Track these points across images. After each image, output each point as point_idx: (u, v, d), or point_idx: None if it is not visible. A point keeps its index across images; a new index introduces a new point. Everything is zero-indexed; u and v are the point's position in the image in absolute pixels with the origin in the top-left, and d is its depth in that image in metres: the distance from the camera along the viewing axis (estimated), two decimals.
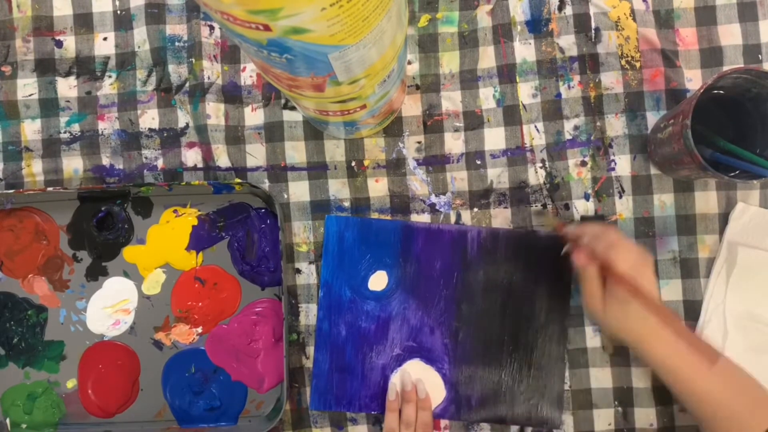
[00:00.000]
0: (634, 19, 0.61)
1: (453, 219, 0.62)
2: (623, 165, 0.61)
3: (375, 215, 0.62)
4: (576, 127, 0.62)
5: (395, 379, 0.61)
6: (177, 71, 0.64)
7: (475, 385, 0.60)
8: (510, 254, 0.61)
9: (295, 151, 0.63)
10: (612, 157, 0.61)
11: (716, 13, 0.61)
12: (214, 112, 0.63)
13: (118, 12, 0.64)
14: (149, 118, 0.64)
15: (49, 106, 0.64)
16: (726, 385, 0.48)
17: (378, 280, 0.61)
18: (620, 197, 0.61)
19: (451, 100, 0.62)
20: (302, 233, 0.62)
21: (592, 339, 0.60)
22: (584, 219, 0.60)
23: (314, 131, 0.63)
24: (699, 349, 0.47)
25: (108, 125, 0.64)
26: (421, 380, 0.60)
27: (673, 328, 0.47)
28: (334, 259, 0.61)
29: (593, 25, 0.62)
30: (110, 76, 0.64)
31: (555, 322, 0.60)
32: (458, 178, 0.62)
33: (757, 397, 0.49)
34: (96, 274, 0.63)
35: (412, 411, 0.58)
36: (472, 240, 0.61)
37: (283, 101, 0.63)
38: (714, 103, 0.56)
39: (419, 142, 0.62)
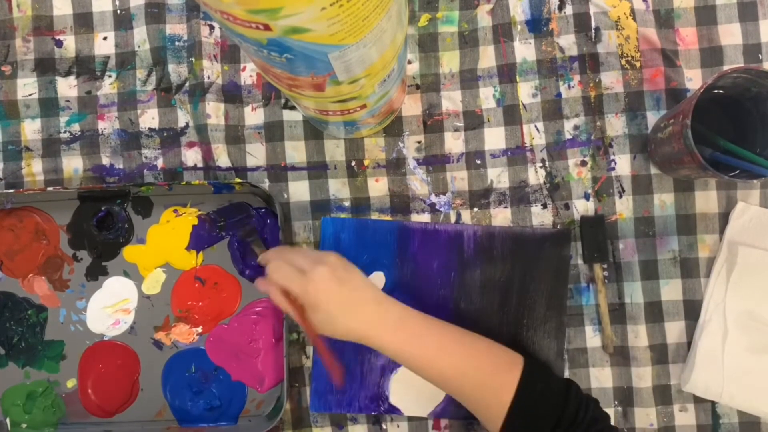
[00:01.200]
0: (635, 19, 0.61)
1: (453, 219, 0.62)
2: (623, 165, 0.61)
3: (375, 215, 0.62)
4: (576, 127, 0.62)
5: (394, 380, 0.61)
6: (177, 71, 0.63)
7: None
8: (506, 252, 0.61)
9: (295, 151, 0.63)
10: (612, 157, 0.61)
11: (716, 13, 0.61)
12: (214, 111, 0.63)
13: (118, 11, 0.64)
14: (149, 118, 0.64)
15: (49, 106, 0.64)
16: (463, 357, 0.48)
17: (375, 281, 0.61)
18: (620, 197, 0.61)
19: (451, 100, 0.62)
20: (302, 233, 0.62)
21: (592, 339, 0.60)
22: (584, 218, 0.60)
23: (314, 131, 0.63)
24: (420, 334, 0.48)
25: (108, 125, 0.64)
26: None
27: (386, 324, 0.47)
28: None
29: (593, 25, 0.62)
30: (110, 76, 0.64)
31: (553, 319, 0.60)
32: (458, 178, 0.62)
33: (497, 359, 0.49)
34: (96, 273, 0.63)
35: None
36: (469, 239, 0.61)
37: (283, 101, 0.63)
38: (714, 102, 0.56)
39: (419, 142, 0.62)
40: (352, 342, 0.60)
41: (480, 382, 0.48)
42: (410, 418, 0.61)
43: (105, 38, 0.64)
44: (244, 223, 0.62)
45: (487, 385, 0.47)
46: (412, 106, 0.62)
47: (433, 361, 0.48)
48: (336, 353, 0.61)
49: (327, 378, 0.61)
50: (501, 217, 0.61)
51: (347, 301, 0.47)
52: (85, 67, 0.64)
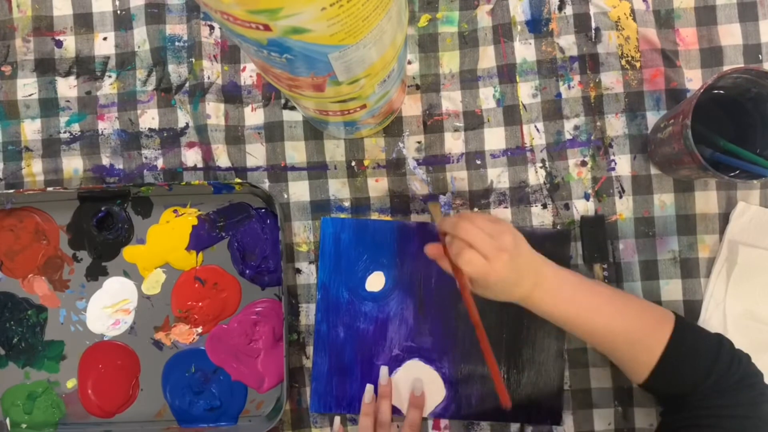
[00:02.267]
0: (634, 19, 0.61)
1: None
2: (623, 165, 0.61)
3: (375, 215, 0.62)
4: (576, 127, 0.62)
5: (394, 380, 0.61)
6: (177, 71, 0.64)
7: (474, 384, 0.60)
8: None
9: (295, 151, 0.63)
10: (612, 157, 0.61)
11: (716, 13, 0.61)
12: (214, 112, 0.63)
13: (118, 12, 0.64)
14: (149, 118, 0.64)
15: (49, 106, 0.64)
16: (615, 316, 0.50)
17: (375, 281, 0.61)
18: (620, 197, 0.61)
19: (451, 100, 0.62)
20: (302, 233, 0.62)
21: None
22: (584, 219, 0.60)
23: (314, 131, 0.63)
24: (574, 295, 0.50)
25: (108, 125, 0.64)
26: (420, 379, 0.60)
27: (543, 289, 0.49)
28: (331, 261, 0.61)
29: (593, 25, 0.62)
30: (110, 76, 0.64)
31: None
32: (458, 178, 0.62)
33: (648, 317, 0.50)
34: (96, 274, 0.63)
35: (386, 408, 0.58)
36: None
37: (283, 101, 0.63)
38: (714, 103, 0.56)
39: (419, 142, 0.62)
40: (351, 343, 0.61)
41: (630, 339, 0.49)
42: None
43: (105, 38, 0.64)
44: (243, 223, 0.62)
45: (637, 342, 0.49)
46: (412, 107, 0.62)
47: (585, 321, 0.50)
48: (335, 355, 0.61)
49: (327, 379, 0.61)
50: (501, 217, 0.61)
51: (514, 277, 0.48)
52: (85, 68, 0.64)
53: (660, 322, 0.49)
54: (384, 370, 0.60)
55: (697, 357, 0.47)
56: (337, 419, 0.61)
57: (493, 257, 0.47)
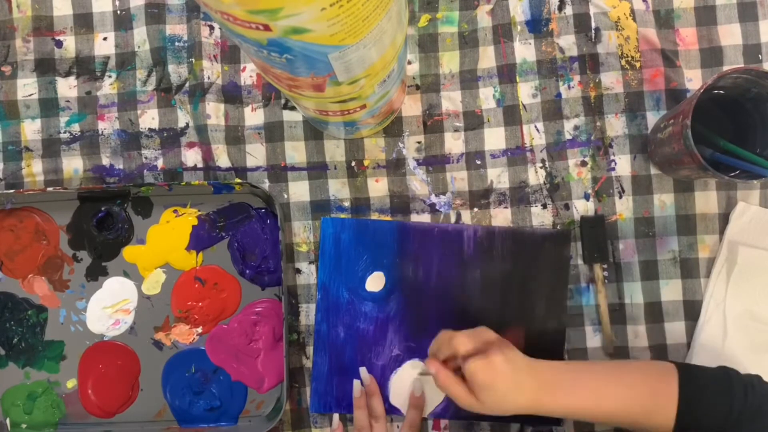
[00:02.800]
0: (634, 19, 0.61)
1: (453, 219, 0.62)
2: (623, 165, 0.61)
3: (375, 215, 0.62)
4: (576, 127, 0.62)
5: (394, 380, 0.61)
6: (177, 71, 0.64)
7: None
8: (506, 252, 0.61)
9: (295, 151, 0.63)
10: (612, 157, 0.61)
11: (716, 13, 0.61)
12: (214, 112, 0.63)
13: (118, 12, 0.64)
14: (149, 118, 0.64)
15: (49, 106, 0.64)
16: (620, 393, 0.49)
17: (375, 281, 0.61)
18: (620, 197, 0.61)
19: (451, 100, 0.62)
20: (302, 233, 0.62)
21: (592, 339, 0.60)
22: (584, 219, 0.60)
23: (314, 131, 0.63)
24: (575, 387, 0.49)
25: (108, 125, 0.64)
26: (419, 379, 0.60)
27: (545, 390, 0.48)
28: (331, 261, 0.61)
29: (593, 25, 0.62)
30: (110, 76, 0.64)
31: (553, 319, 0.60)
32: (458, 178, 0.62)
33: (651, 379, 0.50)
34: (96, 274, 0.63)
35: (377, 403, 0.59)
36: (469, 239, 0.61)
37: (283, 101, 0.63)
38: (714, 103, 0.56)
39: (419, 142, 0.62)
40: (351, 343, 0.61)
41: (644, 409, 0.49)
42: None
43: (105, 39, 0.64)
44: (243, 224, 0.62)
45: (651, 409, 0.48)
46: (412, 107, 0.62)
47: (593, 408, 0.49)
48: (335, 355, 0.61)
49: (327, 379, 0.61)
50: (501, 217, 0.61)
51: (514, 380, 0.48)
52: (85, 68, 0.64)
53: (664, 378, 0.49)
54: (363, 370, 0.60)
55: (711, 401, 0.47)
56: (336, 416, 0.61)
57: (485, 350, 0.47)
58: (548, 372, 0.50)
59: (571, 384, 0.50)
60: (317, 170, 0.63)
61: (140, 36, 0.64)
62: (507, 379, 0.47)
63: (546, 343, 0.60)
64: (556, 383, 0.49)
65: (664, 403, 0.48)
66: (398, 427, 0.61)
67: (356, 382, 0.60)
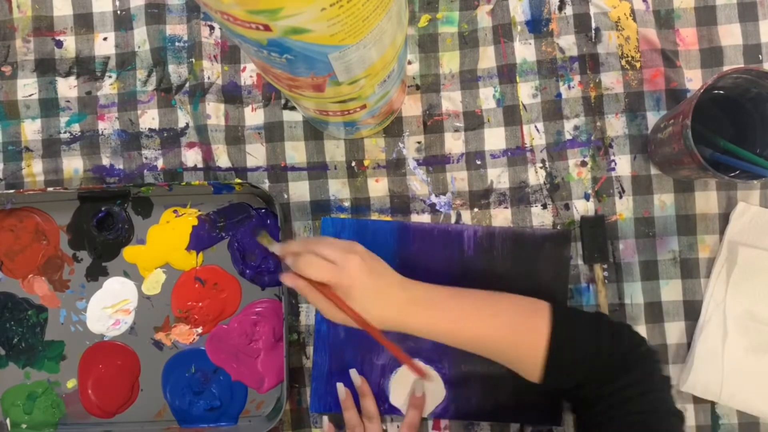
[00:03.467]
0: (634, 19, 0.61)
1: (453, 219, 0.62)
2: (623, 165, 0.61)
3: (375, 215, 0.62)
4: (576, 127, 0.62)
5: (394, 380, 0.61)
6: (177, 71, 0.64)
7: (474, 384, 0.60)
8: (506, 253, 0.61)
9: (295, 151, 0.63)
10: (612, 157, 0.61)
11: (716, 13, 0.61)
12: (214, 112, 0.63)
13: (118, 12, 0.64)
14: (149, 118, 0.64)
15: (49, 106, 0.64)
16: (490, 320, 0.48)
17: None
18: (620, 197, 0.61)
19: (451, 100, 0.62)
20: (302, 233, 0.62)
21: None
22: (584, 219, 0.60)
23: (314, 131, 0.63)
24: (446, 308, 0.48)
25: (108, 125, 0.64)
26: (420, 380, 0.60)
27: (414, 306, 0.48)
28: None
29: (593, 25, 0.62)
30: (110, 76, 0.64)
31: None
32: (458, 178, 0.62)
33: (522, 312, 0.49)
34: (96, 274, 0.63)
35: (369, 404, 0.59)
36: (469, 239, 0.61)
37: (283, 101, 0.63)
38: (714, 103, 0.56)
39: (419, 142, 0.62)
40: (351, 343, 0.61)
41: (514, 340, 0.48)
42: None
43: (105, 39, 0.64)
44: (244, 224, 0.62)
45: (520, 342, 0.48)
46: (412, 107, 0.62)
47: (462, 330, 0.48)
48: (335, 355, 0.61)
49: (327, 379, 0.61)
50: (501, 217, 0.61)
51: (377, 289, 0.47)
52: (85, 68, 0.64)
53: (536, 313, 0.48)
54: (353, 372, 0.60)
55: (579, 343, 0.46)
56: (325, 418, 0.61)
57: (342, 260, 0.45)
58: (418, 289, 0.49)
59: (436, 303, 0.49)
60: (317, 170, 0.63)
61: (140, 36, 0.64)
62: (367, 288, 0.46)
63: None
64: (422, 301, 0.48)
65: (533, 338, 0.47)
66: (398, 427, 0.61)
67: (339, 385, 0.60)
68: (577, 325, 0.48)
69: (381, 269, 0.49)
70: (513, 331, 0.48)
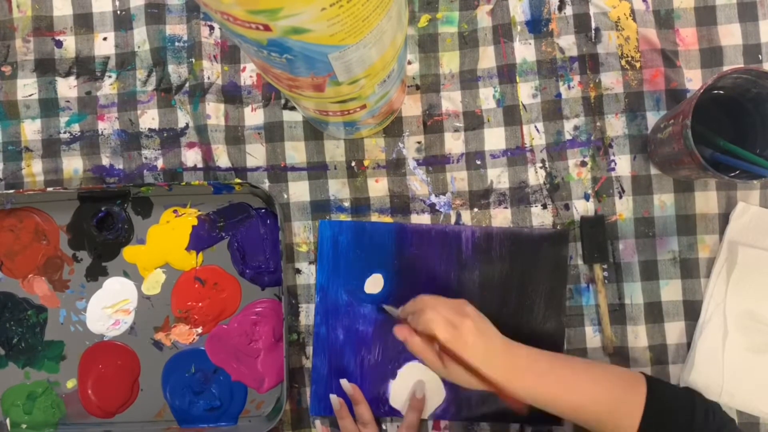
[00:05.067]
0: (634, 19, 0.61)
1: (453, 219, 0.62)
2: (623, 165, 0.61)
3: (375, 215, 0.62)
4: (576, 127, 0.62)
5: (394, 382, 0.61)
6: (177, 71, 0.64)
7: None
8: (505, 253, 0.61)
9: (295, 151, 0.63)
10: (612, 157, 0.61)
11: (716, 13, 0.61)
12: (214, 112, 0.63)
13: (118, 12, 0.64)
14: (149, 118, 0.64)
15: (49, 106, 0.64)
16: (588, 389, 0.50)
17: (374, 283, 0.61)
18: (620, 197, 0.61)
19: (451, 100, 0.62)
20: (302, 233, 0.62)
21: (592, 339, 0.60)
22: (584, 219, 0.60)
23: (314, 131, 0.63)
24: (546, 374, 0.50)
25: (108, 125, 0.64)
26: (422, 381, 0.60)
27: (516, 370, 0.49)
28: (329, 263, 0.61)
29: (593, 25, 0.62)
30: (110, 76, 0.64)
31: (552, 319, 0.60)
32: (458, 178, 0.62)
33: (619, 383, 0.50)
34: (96, 274, 0.63)
35: (364, 410, 0.59)
36: (467, 240, 0.61)
37: (283, 101, 0.63)
38: (714, 103, 0.56)
39: (419, 142, 0.62)
40: (350, 346, 0.61)
41: (610, 408, 0.49)
42: None
43: (105, 39, 0.64)
44: (243, 224, 0.62)
45: (616, 410, 0.49)
46: (412, 107, 0.62)
47: (561, 398, 0.50)
48: (334, 358, 0.61)
49: (326, 381, 0.61)
50: (501, 217, 0.61)
51: (486, 352, 0.49)
52: (85, 68, 0.64)
53: (634, 386, 0.50)
54: (344, 382, 0.60)
55: (674, 416, 0.48)
56: (318, 422, 0.61)
57: (459, 321, 0.48)
58: (522, 355, 0.50)
59: (543, 370, 0.50)
60: (317, 170, 0.63)
61: (140, 36, 0.64)
62: (477, 354, 0.48)
63: (545, 344, 0.60)
64: (529, 367, 0.50)
65: (629, 408, 0.49)
66: (398, 428, 0.61)
67: (333, 396, 0.60)
68: (671, 400, 0.49)
69: (490, 333, 0.50)
70: (610, 402, 0.49)
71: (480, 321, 0.50)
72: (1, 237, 0.63)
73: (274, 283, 0.62)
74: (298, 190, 0.63)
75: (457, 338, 0.48)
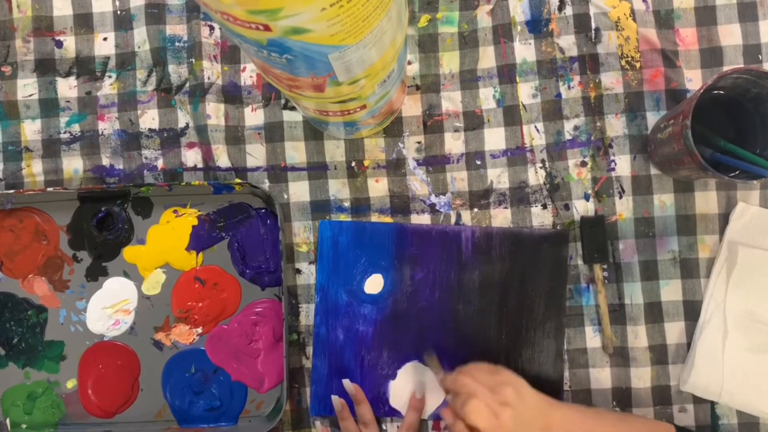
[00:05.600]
0: (634, 19, 0.61)
1: (453, 219, 0.62)
2: (623, 165, 0.61)
3: (375, 215, 0.62)
4: (576, 127, 0.62)
5: (394, 383, 0.61)
6: (177, 71, 0.64)
7: None
8: (504, 253, 0.61)
9: (295, 151, 0.63)
10: (612, 158, 0.61)
11: (716, 13, 0.61)
12: (214, 112, 0.63)
13: (118, 12, 0.64)
14: (149, 119, 0.64)
15: (49, 106, 0.64)
16: None
17: (374, 284, 0.61)
18: (620, 197, 0.61)
19: (451, 100, 0.62)
20: (302, 233, 0.62)
21: (592, 339, 0.60)
22: (584, 219, 0.60)
23: (314, 131, 0.63)
24: (593, 422, 0.52)
25: (108, 125, 0.64)
26: (422, 381, 0.60)
27: None
28: (329, 263, 0.61)
29: (593, 26, 0.62)
30: (110, 76, 0.64)
31: (552, 319, 0.60)
32: (458, 179, 0.62)
33: None
34: (96, 274, 0.63)
35: (365, 411, 0.59)
36: (467, 240, 0.61)
37: (283, 101, 0.63)
38: (714, 103, 0.56)
39: (419, 142, 0.62)
40: (350, 346, 0.61)
41: None
42: None
43: (105, 39, 0.64)
44: (243, 224, 0.62)
45: None
46: (412, 107, 0.62)
47: None
48: (334, 358, 0.61)
49: (327, 382, 0.61)
50: (501, 217, 0.61)
51: (522, 431, 0.49)
52: (85, 68, 0.64)
53: None
54: (346, 382, 0.60)
55: None
56: (318, 422, 0.61)
57: (499, 412, 0.48)
58: (557, 415, 0.52)
59: (578, 430, 0.51)
60: (317, 170, 0.63)
61: (140, 36, 0.64)
62: None
63: (545, 340, 0.60)
64: (564, 427, 0.51)
65: None
66: (398, 427, 0.61)
67: (334, 397, 0.60)
68: None
69: (527, 416, 0.50)
70: None
71: (518, 402, 0.50)
72: (1, 237, 0.63)
73: (274, 283, 0.62)
74: (298, 190, 0.63)
75: (497, 428, 0.48)
